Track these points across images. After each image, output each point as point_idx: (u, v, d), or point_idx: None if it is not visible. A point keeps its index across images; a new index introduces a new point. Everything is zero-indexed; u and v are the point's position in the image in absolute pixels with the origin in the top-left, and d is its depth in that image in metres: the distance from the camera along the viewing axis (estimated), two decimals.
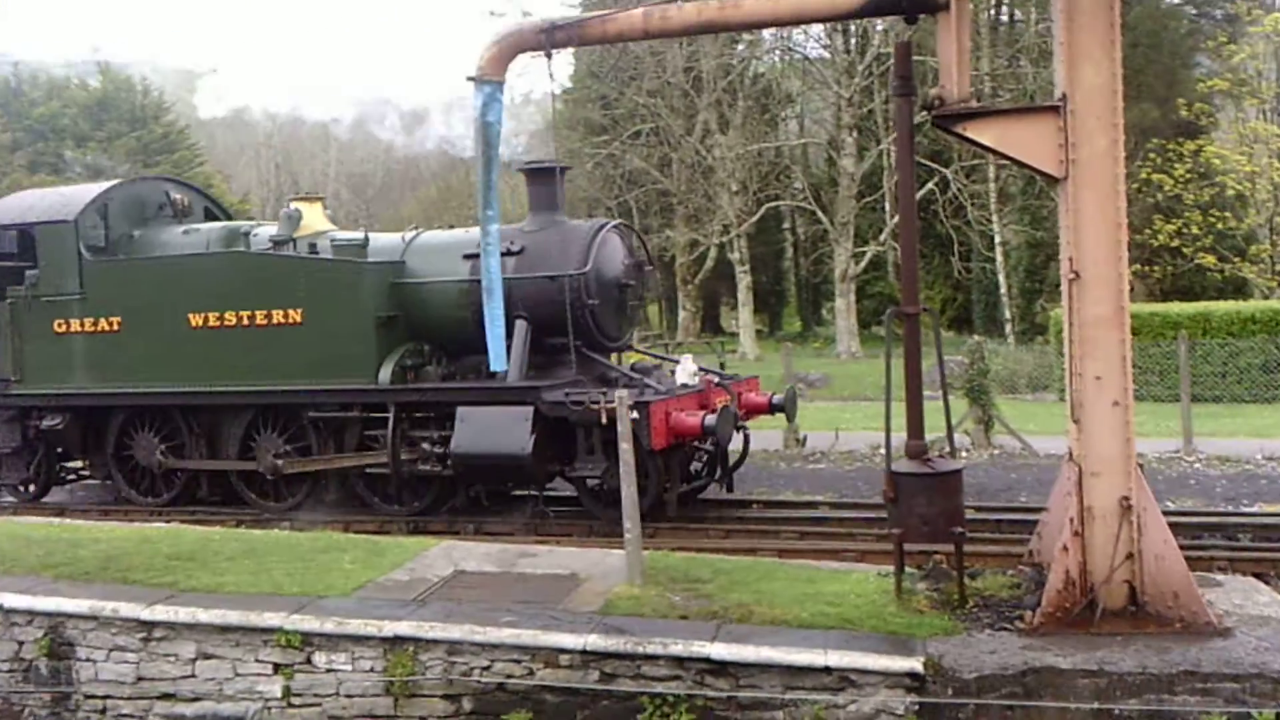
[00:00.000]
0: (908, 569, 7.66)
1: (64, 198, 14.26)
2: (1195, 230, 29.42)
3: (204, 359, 13.00)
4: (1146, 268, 30.44)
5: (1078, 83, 7.22)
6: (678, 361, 12.69)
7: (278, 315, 12.81)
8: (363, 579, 8.39)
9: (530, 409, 11.69)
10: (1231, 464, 14.04)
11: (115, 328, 13.46)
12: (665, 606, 7.43)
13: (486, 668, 7.09)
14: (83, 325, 13.60)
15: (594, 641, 6.91)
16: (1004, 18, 36.96)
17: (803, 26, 30.23)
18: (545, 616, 7.32)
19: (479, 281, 11.88)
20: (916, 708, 6.34)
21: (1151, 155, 29.69)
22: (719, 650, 6.68)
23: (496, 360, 9.75)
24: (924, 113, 7.77)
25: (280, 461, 12.54)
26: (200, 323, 13.04)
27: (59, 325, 13.68)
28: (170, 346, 13.16)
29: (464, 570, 8.71)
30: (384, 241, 13.46)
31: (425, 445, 12.32)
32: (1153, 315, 22.26)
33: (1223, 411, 18.93)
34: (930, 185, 29.93)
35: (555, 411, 11.63)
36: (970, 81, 7.82)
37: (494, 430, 11.79)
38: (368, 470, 12.66)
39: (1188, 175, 29.58)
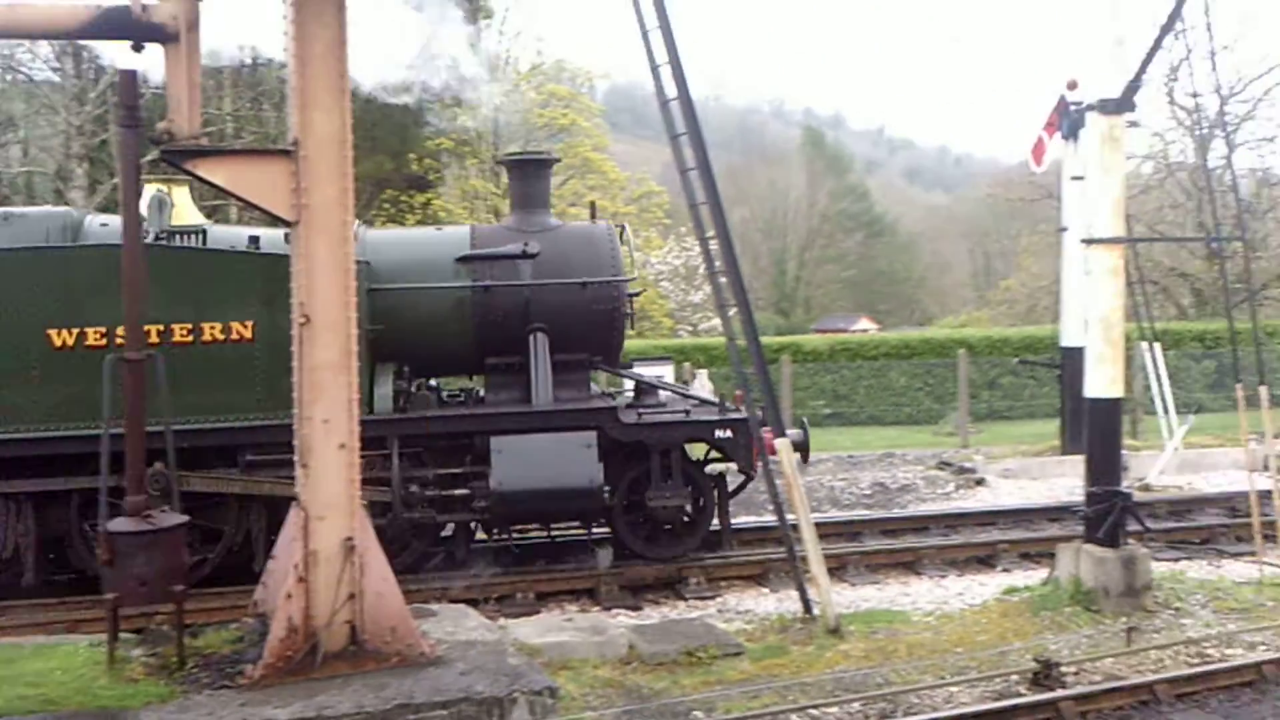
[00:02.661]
0: (125, 634, 7.09)
1: None
2: None
3: (78, 392, 9.45)
4: None
5: (309, 129, 7.26)
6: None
7: (212, 331, 9.92)
8: None
9: (593, 434, 10.21)
10: None
11: None
12: None
13: None
14: None
15: None
16: (247, 60, 36.82)
17: (28, 42, 27.41)
18: None
19: (485, 288, 10.70)
20: None
21: (385, 205, 31.46)
22: None
23: None
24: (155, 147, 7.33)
25: None
26: (69, 342, 9.65)
27: None
28: (13, 375, 9.57)
29: None
30: None
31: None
32: None
33: None
34: None
35: (630, 435, 10.54)
36: (206, 120, 7.55)
37: (549, 462, 10.04)
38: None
39: (419, 225, 31.74)
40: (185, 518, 7.15)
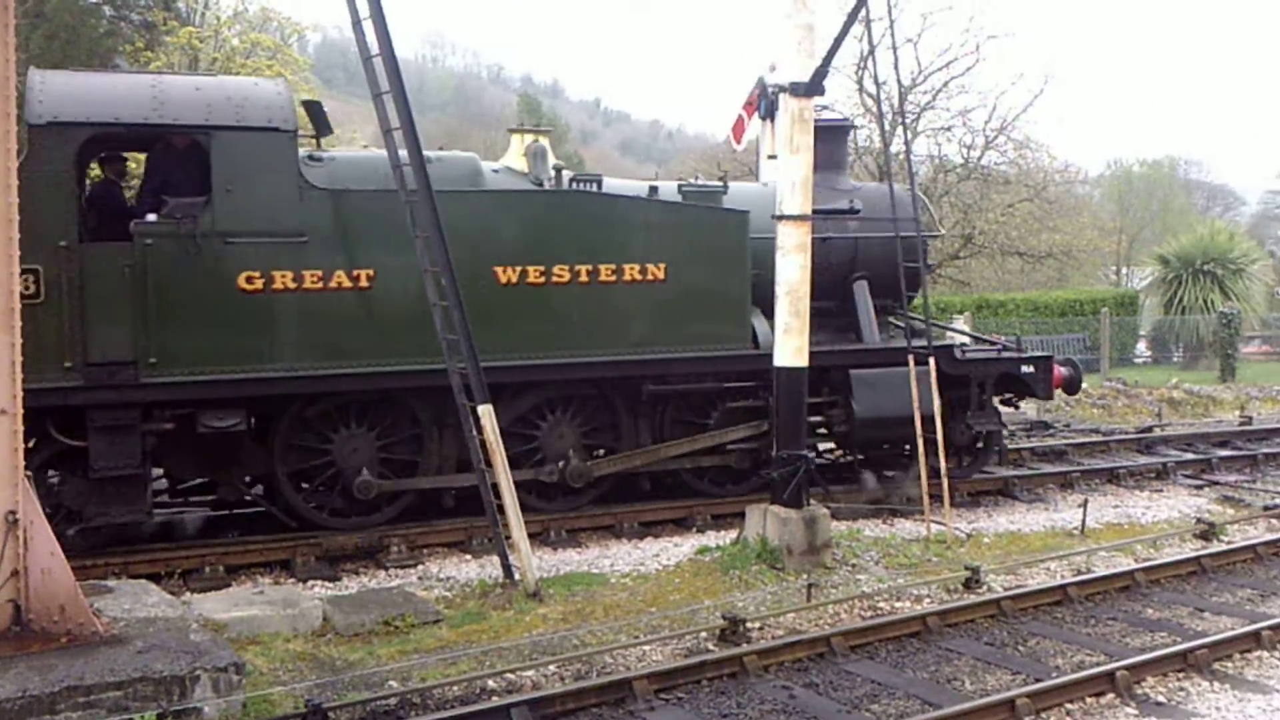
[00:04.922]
0: None
1: (250, 91, 10.03)
2: None
3: (514, 325, 10.64)
4: None
5: None
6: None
7: (631, 271, 11.18)
8: None
9: (928, 369, 11.56)
10: None
11: (363, 284, 10.16)
12: None
13: None
14: (299, 280, 9.93)
15: None
16: None
17: None
18: None
19: (824, 239, 12.38)
20: None
21: None
22: None
23: None
24: None
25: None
26: (513, 279, 10.67)
27: (250, 280, 9.76)
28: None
29: None
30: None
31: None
32: None
33: None
34: None
35: (959, 370, 12.53)
36: None
37: (899, 393, 11.50)
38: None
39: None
40: None
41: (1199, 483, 14.44)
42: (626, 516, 11.73)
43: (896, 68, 14.15)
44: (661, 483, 12.29)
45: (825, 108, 13.01)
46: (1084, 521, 11.83)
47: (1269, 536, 11.33)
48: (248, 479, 10.80)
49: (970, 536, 11.48)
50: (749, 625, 8.35)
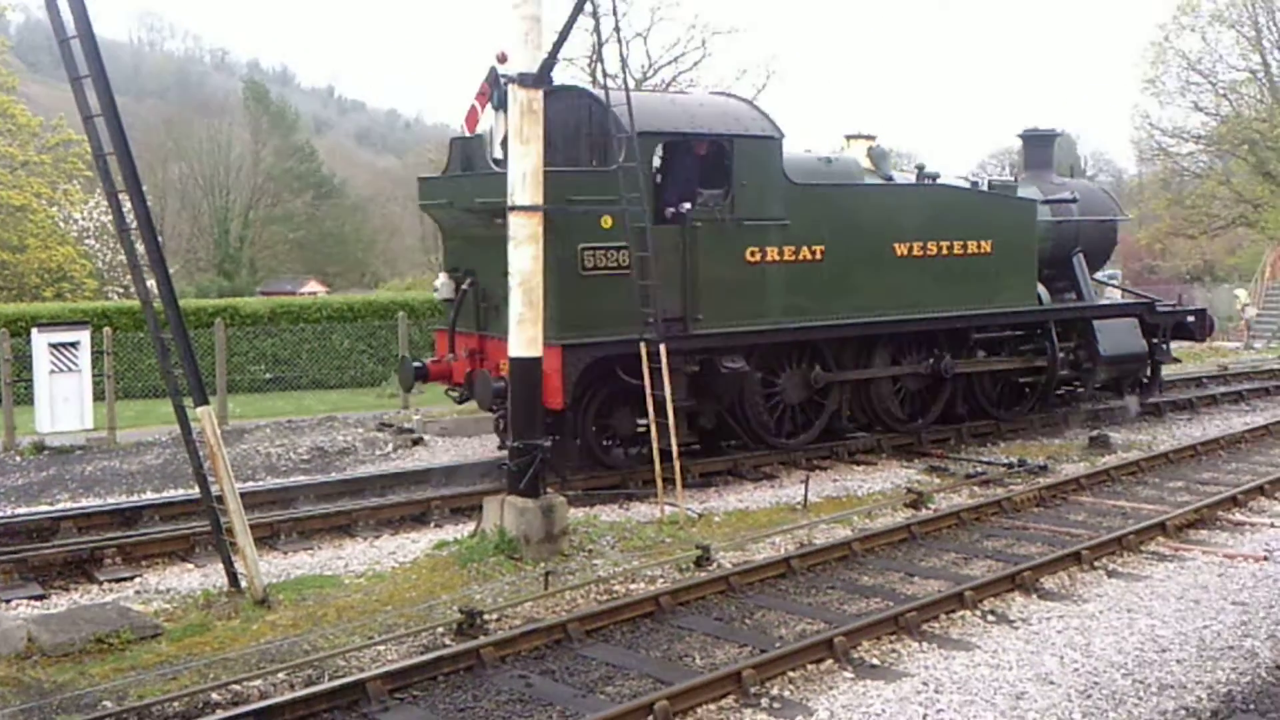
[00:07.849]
0: None
1: (746, 109, 13.41)
2: None
3: (904, 288, 14.11)
4: None
5: None
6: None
7: (972, 245, 14.75)
8: None
9: (1135, 319, 16.77)
10: None
11: (818, 257, 13.32)
12: None
13: None
14: (781, 254, 13.11)
15: None
16: None
17: None
18: None
19: (1060, 222, 16.83)
20: None
21: None
22: None
23: None
24: None
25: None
26: (905, 252, 14.12)
27: (752, 254, 12.91)
28: (874, 276, 13.84)
29: None
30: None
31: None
32: None
33: None
34: None
35: (1155, 320, 17.06)
36: None
37: (1123, 337, 16.35)
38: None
39: None
40: None
41: (909, 455, 15.42)
42: (361, 515, 11.48)
43: (624, 61, 14.34)
44: (969, 406, 16.04)
45: (570, 87, 13.50)
46: (806, 496, 12.42)
47: (970, 502, 12.26)
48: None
49: (702, 516, 11.84)
50: (486, 618, 8.33)
